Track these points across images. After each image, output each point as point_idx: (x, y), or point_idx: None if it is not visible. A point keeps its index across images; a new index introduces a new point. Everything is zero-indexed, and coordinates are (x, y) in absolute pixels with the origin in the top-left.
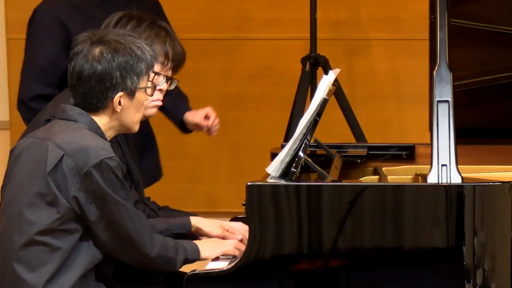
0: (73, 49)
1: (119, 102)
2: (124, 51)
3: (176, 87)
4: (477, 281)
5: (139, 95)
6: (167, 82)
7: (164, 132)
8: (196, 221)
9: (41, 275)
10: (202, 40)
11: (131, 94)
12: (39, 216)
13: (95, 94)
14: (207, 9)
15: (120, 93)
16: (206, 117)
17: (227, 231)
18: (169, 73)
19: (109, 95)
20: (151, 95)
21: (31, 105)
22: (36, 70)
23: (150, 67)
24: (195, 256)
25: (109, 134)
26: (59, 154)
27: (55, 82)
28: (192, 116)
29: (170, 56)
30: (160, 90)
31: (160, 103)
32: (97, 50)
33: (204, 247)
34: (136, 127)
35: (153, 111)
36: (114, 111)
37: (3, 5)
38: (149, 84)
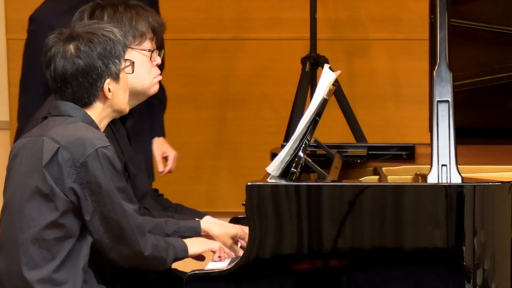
0: (46, 54)
1: (109, 89)
2: (98, 39)
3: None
4: (477, 281)
5: (123, 76)
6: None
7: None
8: (207, 226)
9: (42, 272)
10: (202, 40)
11: (116, 78)
12: (39, 211)
13: (85, 89)
14: (207, 9)
15: (108, 80)
16: (164, 157)
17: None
18: (155, 45)
19: (98, 85)
20: (132, 72)
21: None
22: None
23: (124, 46)
24: (184, 254)
25: (104, 123)
26: (55, 147)
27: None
28: (156, 147)
29: (156, 30)
30: (157, 64)
31: (160, 78)
32: (71, 47)
33: (191, 244)
34: (127, 108)
35: (157, 87)
36: (105, 99)
37: (3, 5)
38: (128, 62)
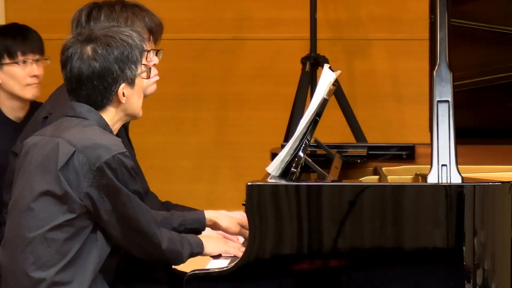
0: (63, 54)
1: (123, 93)
2: (116, 43)
3: None
4: (477, 281)
5: (138, 81)
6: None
7: (164, 132)
8: (214, 216)
9: (49, 271)
10: (202, 40)
11: (131, 83)
12: (49, 212)
13: (99, 92)
14: (207, 9)
15: (123, 85)
16: None
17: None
18: (153, 46)
19: (113, 89)
20: (148, 77)
21: None
22: None
23: (142, 52)
24: (199, 250)
25: (117, 127)
26: (70, 150)
27: None
28: None
29: (153, 30)
30: (154, 64)
31: (158, 78)
32: (89, 49)
33: (209, 243)
34: (140, 113)
35: (154, 87)
36: (119, 103)
37: (3, 5)
38: (144, 68)
